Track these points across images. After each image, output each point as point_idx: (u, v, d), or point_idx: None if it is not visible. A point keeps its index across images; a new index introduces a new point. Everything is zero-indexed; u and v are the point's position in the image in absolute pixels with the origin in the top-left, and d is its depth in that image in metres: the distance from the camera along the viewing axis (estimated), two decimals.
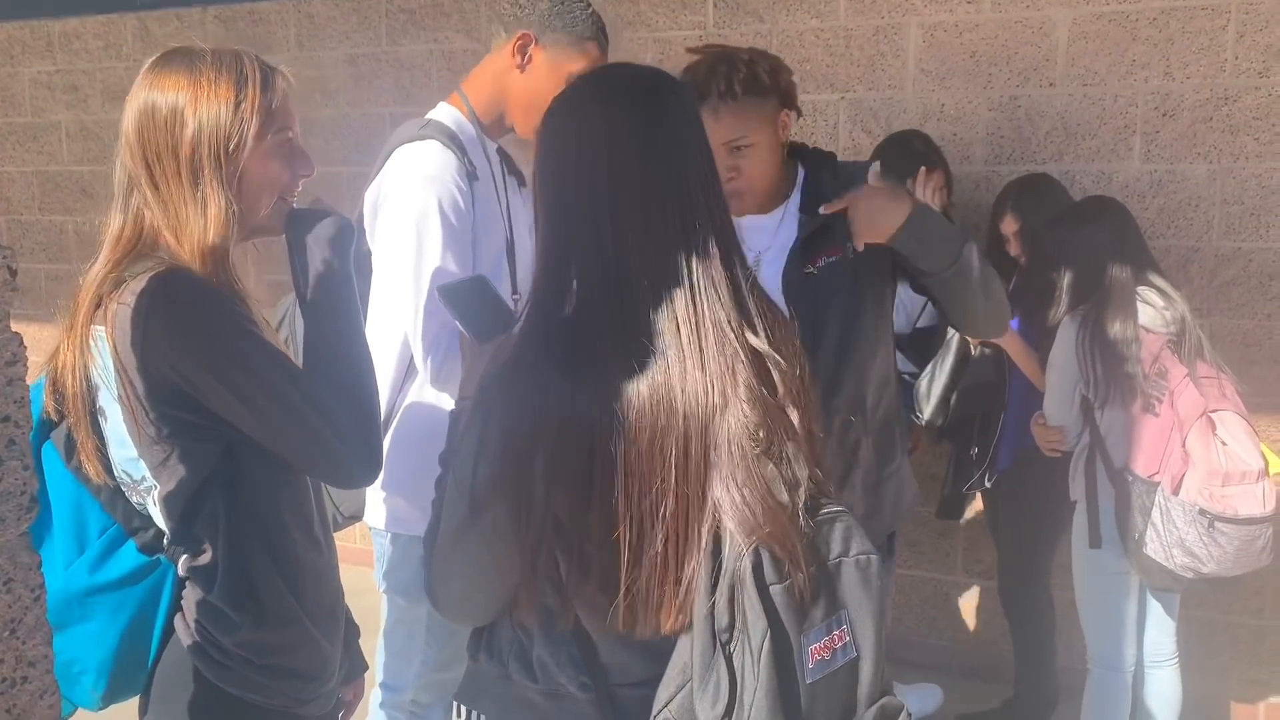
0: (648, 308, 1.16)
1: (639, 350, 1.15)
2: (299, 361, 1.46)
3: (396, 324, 2.04)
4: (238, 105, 1.41)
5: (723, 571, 1.10)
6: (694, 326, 1.15)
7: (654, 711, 1.15)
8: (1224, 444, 2.54)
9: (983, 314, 2.02)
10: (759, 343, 1.18)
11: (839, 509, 1.18)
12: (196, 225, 1.40)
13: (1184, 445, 2.55)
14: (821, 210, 1.98)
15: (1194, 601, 2.83)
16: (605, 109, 1.23)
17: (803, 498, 1.15)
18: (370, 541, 2.26)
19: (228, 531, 1.42)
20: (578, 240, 1.20)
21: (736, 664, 1.08)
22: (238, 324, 1.38)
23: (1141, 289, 2.68)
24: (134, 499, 1.44)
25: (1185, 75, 3.27)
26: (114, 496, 1.45)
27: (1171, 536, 2.54)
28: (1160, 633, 2.82)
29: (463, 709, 1.37)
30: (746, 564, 1.09)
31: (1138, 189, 3.33)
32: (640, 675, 1.21)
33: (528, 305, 1.24)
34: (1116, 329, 2.62)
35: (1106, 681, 2.79)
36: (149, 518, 1.45)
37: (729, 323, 1.17)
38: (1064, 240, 2.77)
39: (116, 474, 1.44)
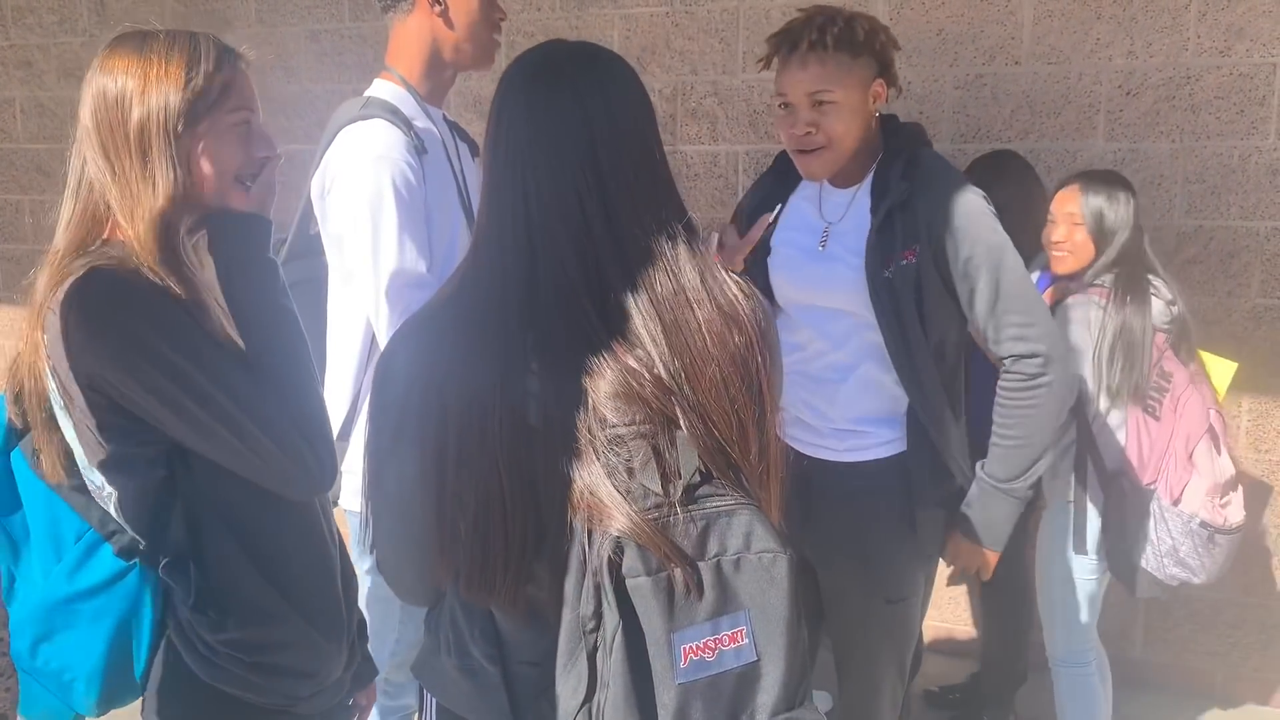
0: (526, 296, 1.15)
1: (513, 336, 1.14)
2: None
3: (358, 307, 2.02)
4: (188, 84, 1.39)
5: (589, 559, 1.07)
6: (567, 319, 1.13)
7: (540, 692, 1.17)
8: (1219, 451, 2.49)
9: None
10: (627, 351, 1.12)
11: (740, 502, 1.10)
12: (147, 200, 1.37)
13: (1190, 456, 2.46)
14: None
15: None
16: (507, 92, 1.22)
17: (679, 489, 1.09)
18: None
19: (197, 533, 1.39)
20: (482, 224, 1.20)
21: (599, 655, 1.05)
22: (164, 325, 1.32)
23: (1150, 277, 2.57)
24: (101, 504, 1.41)
25: (1148, 54, 3.30)
26: (87, 501, 1.41)
27: (1164, 546, 2.47)
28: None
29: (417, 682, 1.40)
30: (604, 552, 1.05)
31: (1102, 167, 3.35)
32: (536, 656, 1.19)
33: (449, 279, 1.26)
34: (1136, 321, 2.48)
35: (1078, 680, 2.72)
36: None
37: (600, 316, 1.13)
38: (1118, 213, 2.61)
39: (84, 479, 1.40)
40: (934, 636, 3.83)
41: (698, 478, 1.10)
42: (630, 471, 1.09)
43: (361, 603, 2.22)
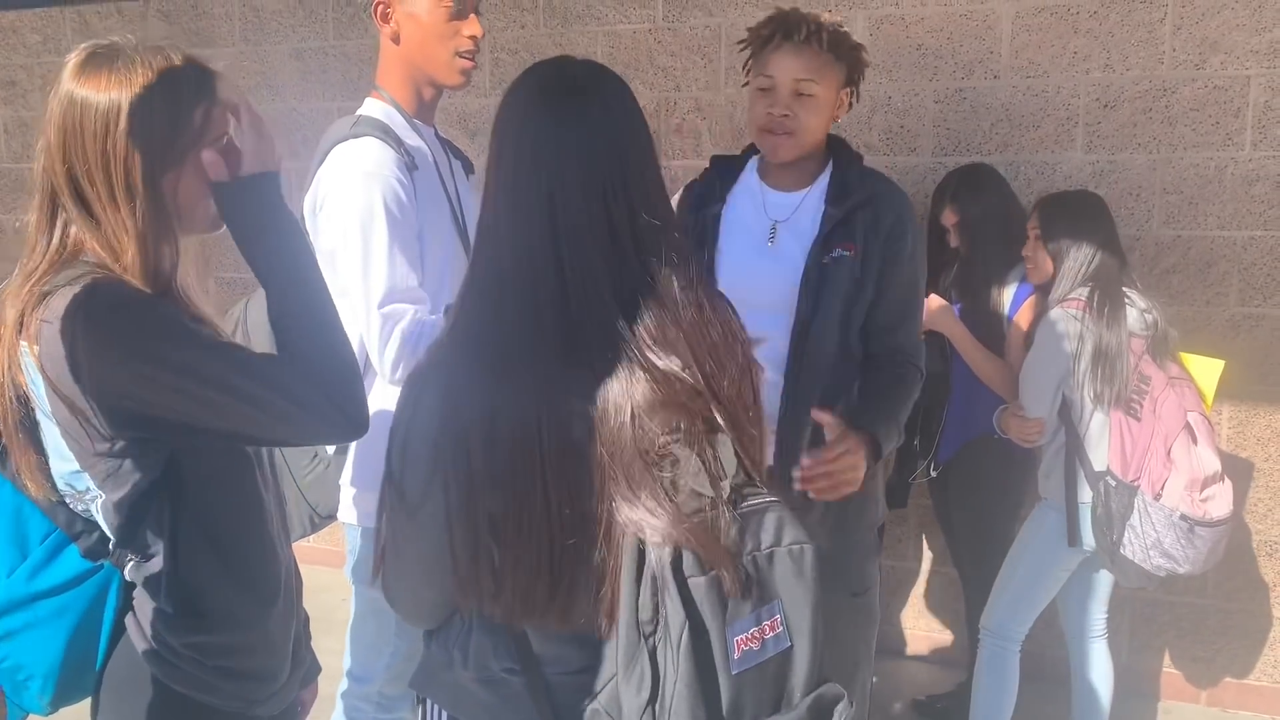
0: (557, 311, 1.16)
1: (548, 355, 1.16)
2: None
3: (350, 323, 2.03)
4: (175, 112, 1.34)
5: (645, 565, 1.11)
6: (600, 332, 1.16)
7: (585, 703, 1.18)
8: (1195, 447, 2.61)
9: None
10: (661, 359, 1.16)
11: (771, 499, 1.18)
12: (131, 245, 1.34)
13: (1169, 453, 2.60)
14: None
15: None
16: (528, 107, 1.22)
17: (727, 489, 1.15)
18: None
19: (174, 536, 1.39)
20: (503, 239, 1.20)
21: (660, 656, 1.10)
22: (169, 327, 1.32)
23: (1125, 289, 2.71)
24: (78, 507, 1.42)
25: (1125, 67, 3.34)
26: (54, 503, 1.42)
27: (1149, 539, 2.60)
28: (1099, 608, 2.90)
29: (416, 695, 1.39)
30: (665, 558, 1.10)
31: (1081, 179, 3.39)
32: (576, 665, 1.22)
33: (456, 301, 1.25)
34: (1112, 333, 2.63)
35: (1004, 654, 2.86)
36: (92, 522, 1.43)
37: (630, 327, 1.16)
38: (1073, 230, 2.76)
39: (60, 486, 1.41)
40: (921, 645, 3.84)
41: (740, 478, 1.18)
42: (675, 483, 1.14)
43: (353, 616, 2.23)
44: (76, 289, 1.31)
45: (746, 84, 2.19)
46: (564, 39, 3.96)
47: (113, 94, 1.32)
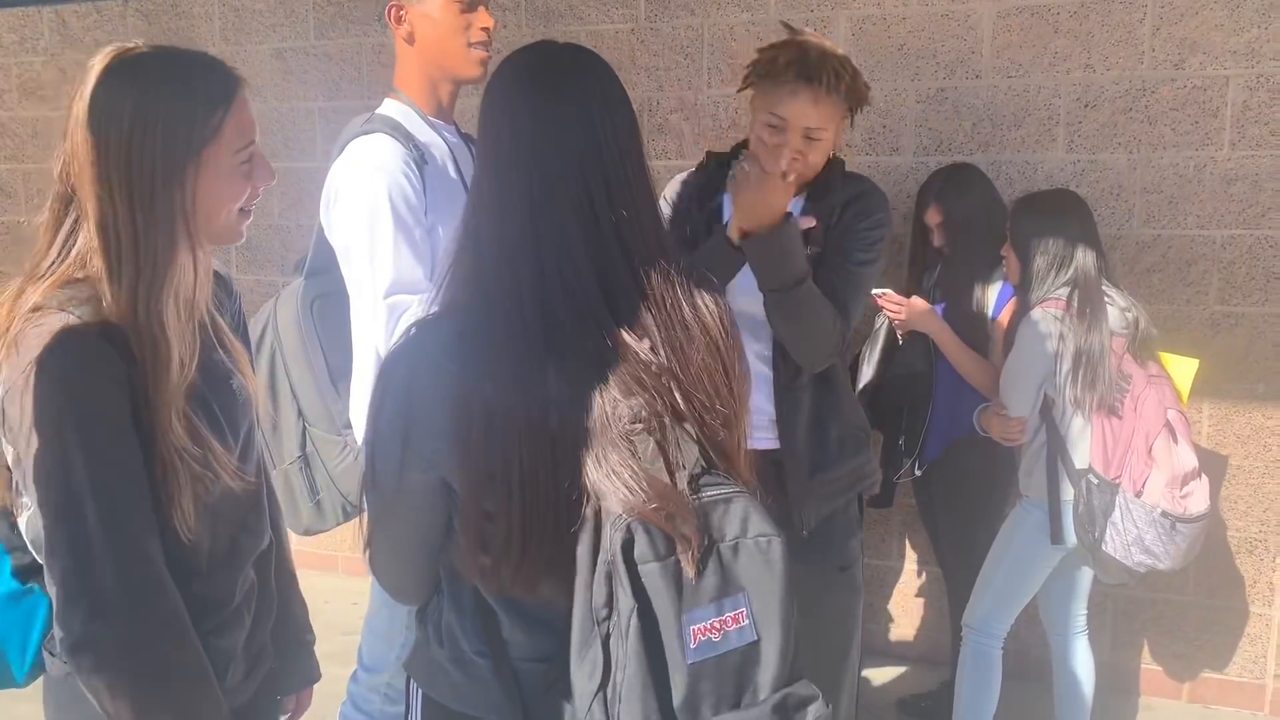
0: (531, 293, 1.17)
1: (519, 335, 1.16)
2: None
3: (358, 317, 2.08)
4: (192, 115, 1.32)
5: (600, 550, 1.10)
6: (573, 314, 1.16)
7: (548, 686, 1.19)
8: (1176, 444, 2.64)
9: (798, 348, 2.14)
10: (631, 339, 1.17)
11: (736, 490, 1.15)
12: (132, 264, 1.30)
13: (1150, 451, 2.62)
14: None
15: None
16: (507, 89, 1.23)
17: (685, 479, 1.13)
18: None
19: None
20: (479, 221, 1.21)
21: (613, 643, 1.08)
22: (83, 413, 1.26)
23: (1104, 287, 2.73)
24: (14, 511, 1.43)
25: (1105, 67, 3.36)
26: None
27: (1130, 535, 2.62)
28: (1080, 605, 2.93)
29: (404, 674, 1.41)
30: (617, 543, 1.07)
31: (1062, 178, 3.41)
32: (544, 651, 1.22)
33: (434, 287, 1.26)
34: (1094, 338, 2.64)
35: (986, 650, 2.89)
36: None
37: (606, 309, 1.17)
38: (1038, 230, 2.77)
39: (15, 489, 1.40)
40: (905, 645, 3.85)
41: (699, 468, 1.15)
42: (644, 459, 1.13)
43: (369, 607, 2.24)
44: (54, 328, 1.26)
45: (743, 90, 2.20)
46: (546, 38, 3.95)
47: (133, 98, 1.30)
